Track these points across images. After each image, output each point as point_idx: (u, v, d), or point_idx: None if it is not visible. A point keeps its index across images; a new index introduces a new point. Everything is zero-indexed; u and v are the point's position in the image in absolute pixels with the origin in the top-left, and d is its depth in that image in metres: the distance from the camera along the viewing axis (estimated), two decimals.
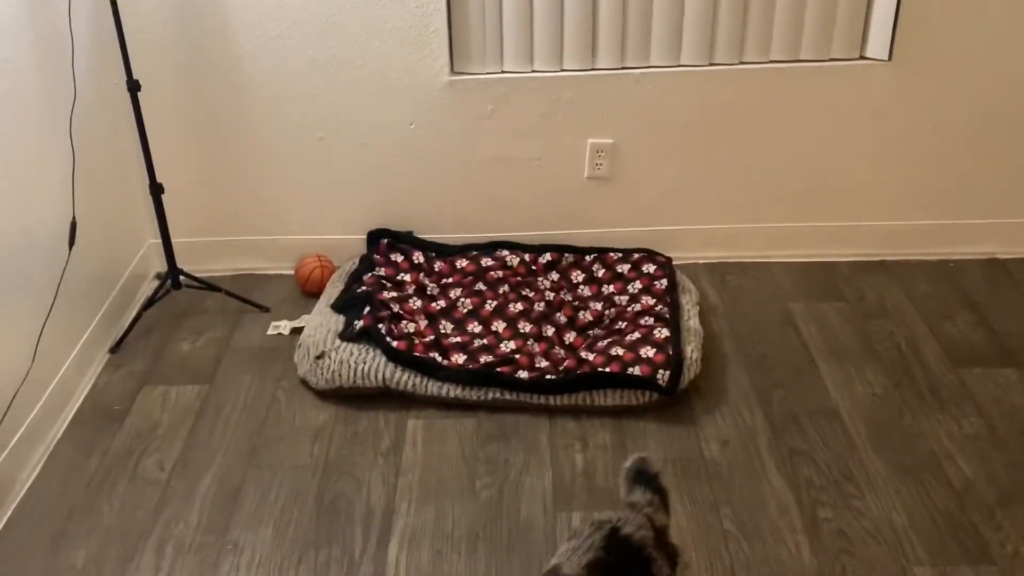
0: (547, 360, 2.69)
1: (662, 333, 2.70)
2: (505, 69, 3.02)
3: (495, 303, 2.90)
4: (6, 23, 2.40)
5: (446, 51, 2.95)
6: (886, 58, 2.95)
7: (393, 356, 2.63)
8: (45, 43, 2.56)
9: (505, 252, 3.10)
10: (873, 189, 3.15)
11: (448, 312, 2.89)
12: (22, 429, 2.40)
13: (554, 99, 3.03)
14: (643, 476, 1.72)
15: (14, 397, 2.37)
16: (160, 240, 2.98)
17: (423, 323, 2.83)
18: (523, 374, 2.62)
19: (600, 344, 2.72)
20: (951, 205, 3.17)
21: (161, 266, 3.15)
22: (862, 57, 3.01)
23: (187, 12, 2.90)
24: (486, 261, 3.07)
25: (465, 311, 2.89)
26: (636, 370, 2.58)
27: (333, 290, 2.98)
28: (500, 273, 3.03)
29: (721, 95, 3.02)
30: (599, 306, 2.92)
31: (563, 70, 3.01)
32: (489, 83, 3.01)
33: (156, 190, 2.87)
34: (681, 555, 1.59)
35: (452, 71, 3.00)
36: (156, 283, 3.11)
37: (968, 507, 2.24)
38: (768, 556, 2.13)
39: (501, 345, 2.73)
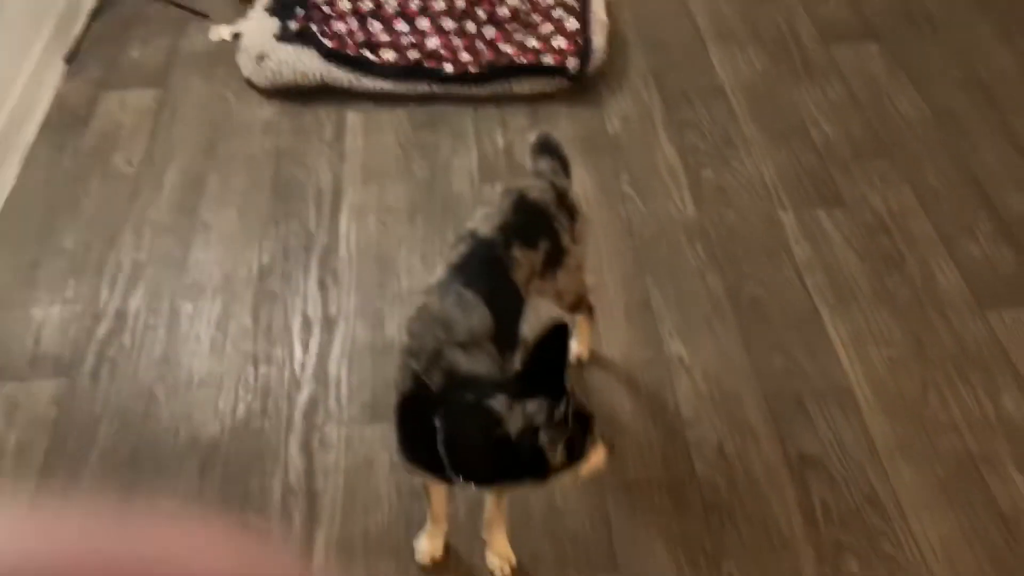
0: (469, 54, 2.64)
1: (572, 25, 2.65)
2: None
3: (419, 2, 2.79)
4: None
5: None
6: None
7: (328, 54, 2.56)
8: None
9: None
10: None
11: (375, 13, 2.77)
12: None
13: None
14: (546, 147, 1.73)
15: None
16: None
17: (354, 24, 2.72)
18: (448, 67, 2.58)
19: (516, 37, 2.66)
20: None
21: None
22: None
23: None
24: None
25: (392, 11, 2.77)
26: (549, 59, 2.56)
27: None
28: None
29: None
30: (516, 1, 2.83)
31: None
32: None
33: None
34: (579, 211, 1.65)
35: None
36: None
37: (827, 162, 2.35)
38: (659, 211, 2.24)
39: (427, 42, 2.66)
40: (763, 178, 2.31)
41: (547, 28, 2.66)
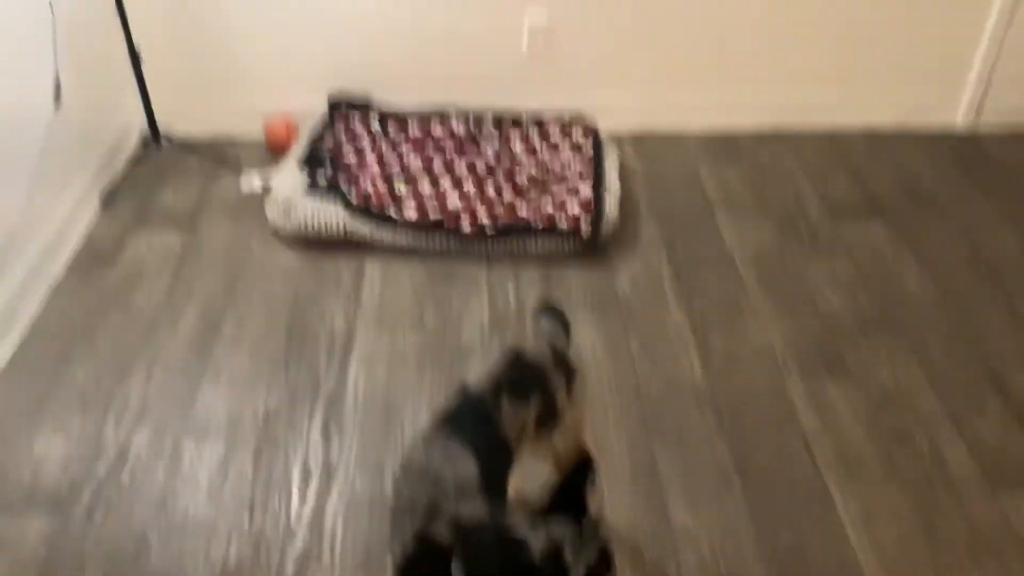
0: (488, 215, 2.70)
1: (587, 192, 2.72)
2: None
3: (443, 164, 2.88)
4: None
5: None
6: None
7: (353, 209, 2.62)
8: None
9: (452, 118, 3.06)
10: (772, 65, 3.14)
11: (402, 173, 2.86)
12: (26, 267, 2.38)
13: None
14: (548, 309, 1.77)
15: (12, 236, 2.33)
16: (141, 102, 2.89)
17: (380, 182, 2.80)
18: (466, 226, 2.63)
19: (533, 201, 2.73)
20: (838, 82, 3.18)
21: (144, 127, 3.06)
22: None
23: None
24: (435, 127, 3.03)
25: (416, 172, 2.86)
26: (563, 223, 2.61)
27: (299, 149, 2.93)
28: (448, 139, 3.00)
29: None
30: (534, 167, 2.92)
31: None
32: None
33: (134, 53, 2.76)
34: (577, 372, 1.63)
35: None
36: (140, 142, 3.03)
37: (834, 333, 2.34)
38: (668, 374, 2.22)
39: (448, 202, 2.73)
40: (771, 346, 2.29)
41: (563, 194, 2.73)
